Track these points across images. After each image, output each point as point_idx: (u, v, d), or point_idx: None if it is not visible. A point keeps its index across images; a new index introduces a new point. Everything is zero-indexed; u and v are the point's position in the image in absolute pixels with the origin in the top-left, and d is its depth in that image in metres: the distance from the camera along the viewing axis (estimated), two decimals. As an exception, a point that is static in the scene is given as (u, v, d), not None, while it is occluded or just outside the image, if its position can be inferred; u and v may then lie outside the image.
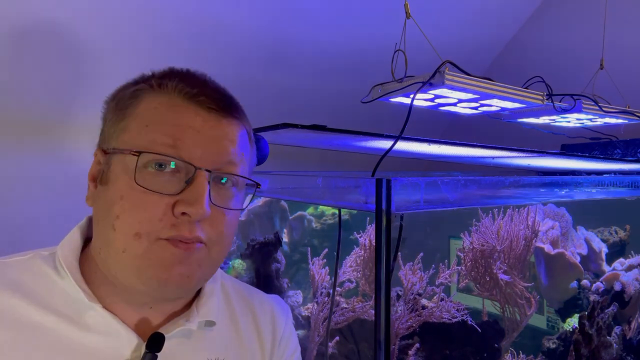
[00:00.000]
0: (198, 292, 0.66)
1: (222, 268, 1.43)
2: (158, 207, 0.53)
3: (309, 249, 1.38)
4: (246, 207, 0.62)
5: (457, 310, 1.17)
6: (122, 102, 0.58)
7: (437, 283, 1.26)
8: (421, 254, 1.24)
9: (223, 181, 0.58)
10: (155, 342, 0.57)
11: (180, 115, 0.56)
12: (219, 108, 0.58)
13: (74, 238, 0.61)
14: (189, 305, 0.64)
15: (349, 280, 1.38)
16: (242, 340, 0.68)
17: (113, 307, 0.58)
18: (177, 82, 0.57)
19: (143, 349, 0.57)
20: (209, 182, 0.55)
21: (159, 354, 0.57)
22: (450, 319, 1.17)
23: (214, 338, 0.64)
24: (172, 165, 0.54)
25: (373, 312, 0.74)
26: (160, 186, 0.54)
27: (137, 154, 0.54)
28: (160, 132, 0.55)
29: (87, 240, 0.62)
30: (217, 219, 0.57)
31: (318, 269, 1.33)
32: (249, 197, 0.64)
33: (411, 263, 1.24)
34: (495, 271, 1.33)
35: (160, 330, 0.58)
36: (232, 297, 0.71)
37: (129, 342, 0.57)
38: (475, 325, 1.23)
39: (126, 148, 0.55)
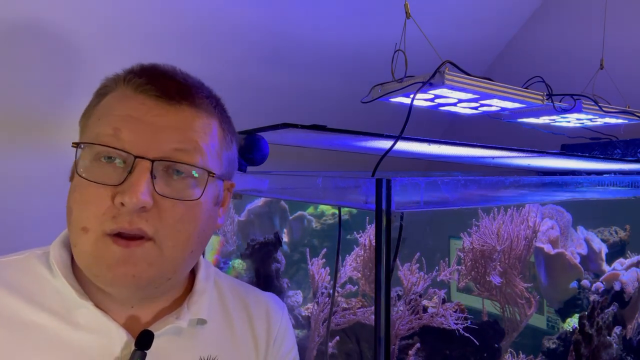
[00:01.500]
0: (190, 289, 0.65)
1: (222, 268, 1.43)
2: (101, 199, 0.53)
3: (307, 249, 1.38)
4: (202, 196, 0.57)
5: (456, 320, 1.17)
6: (90, 102, 0.60)
7: (437, 280, 1.26)
8: (418, 254, 1.24)
9: (178, 174, 0.56)
10: (144, 340, 0.57)
11: (125, 106, 0.55)
12: (167, 96, 0.56)
13: (65, 237, 0.61)
14: (180, 302, 0.63)
15: (349, 281, 1.37)
16: (235, 339, 0.67)
17: (103, 305, 0.58)
18: (131, 75, 0.57)
19: (133, 347, 0.56)
20: (151, 172, 0.53)
21: (148, 352, 0.56)
22: (449, 326, 1.17)
23: (206, 336, 0.64)
24: (117, 159, 0.54)
25: (374, 317, 0.74)
26: (104, 177, 0.53)
27: (76, 145, 0.55)
28: (104, 123, 0.55)
29: None
30: (166, 211, 0.54)
31: (318, 268, 1.33)
32: (216, 186, 0.61)
33: (410, 263, 1.24)
34: (489, 271, 1.33)
35: (150, 328, 0.58)
36: (226, 296, 0.70)
37: (120, 340, 0.57)
38: (475, 326, 1.23)
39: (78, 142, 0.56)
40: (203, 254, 1.25)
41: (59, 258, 0.59)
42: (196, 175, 0.57)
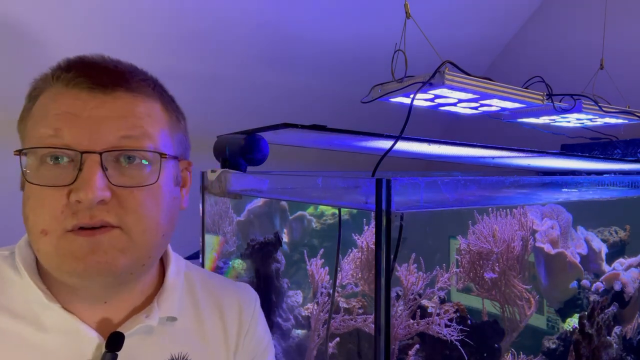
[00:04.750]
0: (160, 284, 0.65)
1: (221, 268, 1.44)
2: (56, 200, 0.52)
3: (305, 250, 1.38)
4: (158, 180, 0.57)
5: (452, 331, 1.17)
6: (24, 107, 0.58)
7: (436, 288, 1.26)
8: (413, 254, 1.24)
9: (130, 161, 0.55)
10: (115, 341, 0.56)
11: (59, 104, 0.54)
12: (101, 86, 0.54)
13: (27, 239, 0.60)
14: (150, 298, 0.63)
15: (349, 282, 1.37)
16: (205, 335, 0.67)
17: (71, 306, 0.57)
18: (59, 71, 0.55)
19: (103, 348, 0.56)
20: (101, 165, 0.53)
21: (119, 353, 0.56)
22: (445, 337, 1.17)
23: (176, 333, 0.63)
24: (64, 158, 0.53)
25: (373, 321, 0.74)
26: (54, 180, 0.52)
27: (19, 152, 0.54)
28: (43, 125, 0.53)
29: None
30: (126, 199, 0.54)
31: (317, 268, 1.33)
32: (172, 167, 0.61)
33: (410, 263, 1.24)
34: (484, 273, 1.33)
35: (120, 329, 0.58)
36: (197, 290, 0.69)
37: (90, 341, 0.56)
38: (475, 327, 1.23)
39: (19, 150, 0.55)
40: (201, 255, 1.25)
41: (24, 260, 0.58)
42: (148, 159, 0.56)
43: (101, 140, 0.53)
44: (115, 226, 0.54)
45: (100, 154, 0.53)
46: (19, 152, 0.54)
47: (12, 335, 0.55)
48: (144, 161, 0.56)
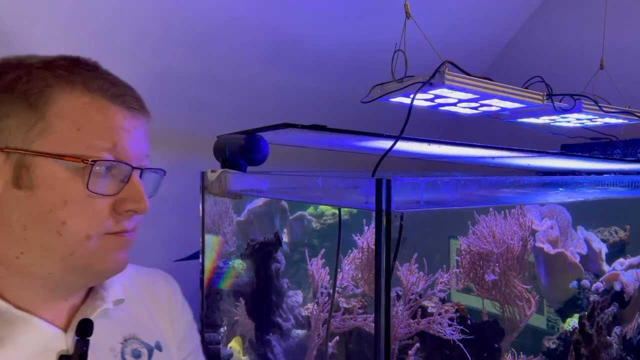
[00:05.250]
0: None
1: (221, 268, 1.43)
2: (104, 208, 0.57)
3: (306, 249, 1.38)
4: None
5: (453, 331, 1.17)
6: (30, 97, 0.54)
7: (436, 289, 1.26)
8: (416, 254, 1.24)
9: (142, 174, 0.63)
10: (83, 328, 0.60)
11: (111, 118, 0.57)
12: (139, 108, 0.61)
13: None
14: (87, 291, 0.65)
15: (349, 283, 1.37)
16: (145, 316, 0.71)
17: (23, 303, 0.57)
18: (102, 82, 0.58)
19: (68, 339, 0.59)
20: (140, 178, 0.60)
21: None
22: (446, 335, 1.17)
23: (124, 317, 0.68)
24: (113, 169, 0.57)
25: (374, 321, 0.75)
26: (103, 189, 0.57)
27: (89, 162, 0.54)
28: (97, 137, 0.56)
29: None
30: None
31: (318, 269, 1.33)
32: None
33: (412, 263, 1.24)
34: (488, 272, 1.33)
35: (81, 316, 0.61)
36: (127, 276, 0.73)
37: (53, 335, 0.58)
38: (475, 326, 1.23)
39: (60, 153, 0.54)
40: (201, 255, 1.25)
41: None
42: (155, 175, 0.65)
43: (139, 157, 0.61)
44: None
45: (141, 169, 0.61)
46: (92, 162, 0.55)
47: None
48: (157, 174, 0.65)
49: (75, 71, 0.57)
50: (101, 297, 0.65)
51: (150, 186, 0.64)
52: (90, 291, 0.65)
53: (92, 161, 0.55)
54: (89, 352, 0.59)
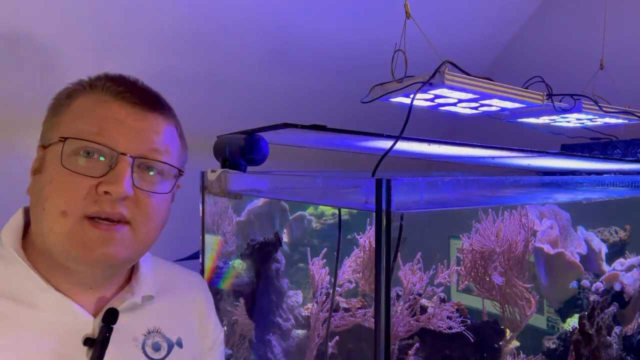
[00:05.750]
0: (130, 272, 0.72)
1: (221, 268, 1.43)
2: (83, 187, 0.60)
3: (308, 249, 1.38)
4: (170, 191, 0.69)
5: (452, 326, 1.17)
6: (59, 102, 0.65)
7: (435, 283, 1.26)
8: (419, 254, 1.23)
9: (149, 172, 0.65)
10: (109, 316, 0.64)
11: (106, 109, 0.63)
12: (143, 103, 0.65)
13: (17, 225, 0.66)
14: (123, 285, 0.70)
15: (349, 281, 1.37)
16: (172, 313, 0.75)
17: (62, 288, 0.63)
18: (106, 81, 0.65)
19: (95, 325, 0.63)
20: (132, 167, 0.62)
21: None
22: (447, 330, 1.17)
23: (151, 311, 0.71)
24: (97, 154, 0.61)
25: (373, 319, 0.75)
26: (86, 170, 0.60)
27: (63, 139, 0.60)
28: (87, 122, 0.61)
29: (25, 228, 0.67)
30: (142, 201, 0.64)
31: (318, 269, 1.33)
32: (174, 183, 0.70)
33: (411, 263, 1.24)
34: (490, 272, 1.33)
35: (109, 306, 0.65)
36: (160, 274, 0.77)
37: (83, 319, 0.63)
38: (475, 326, 1.23)
39: (56, 138, 0.61)
40: (201, 255, 1.25)
41: (13, 245, 0.63)
42: (164, 172, 0.67)
43: (136, 147, 0.63)
44: (127, 221, 0.62)
45: (133, 158, 0.62)
46: (63, 139, 0.60)
47: (7, 315, 0.59)
48: (159, 173, 0.66)
49: (97, 79, 0.65)
50: (132, 291, 0.69)
51: (159, 183, 0.65)
52: (124, 285, 0.70)
53: (61, 138, 0.60)
54: (113, 339, 0.63)
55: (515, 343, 1.37)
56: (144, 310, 0.70)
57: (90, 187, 0.60)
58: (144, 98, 0.65)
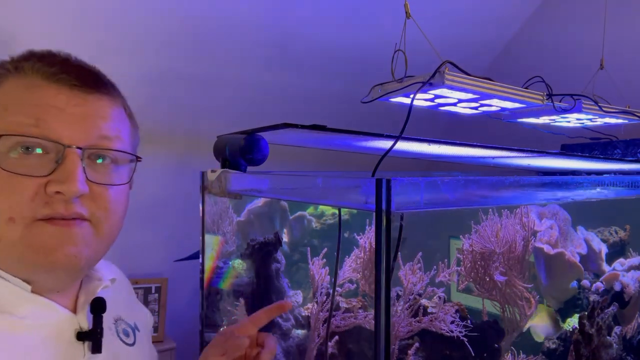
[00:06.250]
0: None
1: (221, 268, 1.43)
2: (28, 188, 0.52)
3: (308, 249, 1.38)
4: (129, 181, 0.62)
5: (455, 327, 1.18)
6: None
7: (436, 281, 1.26)
8: (420, 254, 1.23)
9: (100, 160, 0.57)
10: (97, 306, 0.61)
11: (41, 96, 0.54)
12: (82, 84, 0.56)
13: None
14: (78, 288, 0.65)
15: (349, 281, 1.37)
16: (125, 298, 0.74)
17: (35, 291, 0.57)
18: (35, 62, 0.55)
19: (81, 319, 0.60)
20: (82, 160, 0.54)
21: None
22: (449, 332, 1.17)
23: (112, 298, 0.66)
24: (38, 148, 0.53)
25: (374, 322, 0.75)
26: (28, 169, 0.52)
27: None
28: (21, 113, 0.53)
29: None
30: (99, 195, 0.57)
31: (318, 268, 1.33)
32: (131, 169, 0.63)
33: (411, 263, 1.24)
34: (491, 272, 1.33)
35: (83, 297, 0.62)
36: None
37: (68, 316, 0.59)
38: (475, 327, 1.23)
39: None
40: (201, 255, 1.25)
41: None
42: (118, 160, 0.59)
43: (83, 136, 0.55)
44: (86, 219, 0.56)
45: (82, 149, 0.54)
46: None
47: None
48: (113, 161, 0.59)
49: (23, 60, 0.56)
50: (98, 277, 0.65)
51: (114, 173, 0.58)
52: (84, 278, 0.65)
53: None
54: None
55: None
56: (108, 299, 0.65)
57: (38, 187, 0.52)
58: (82, 78, 0.56)
